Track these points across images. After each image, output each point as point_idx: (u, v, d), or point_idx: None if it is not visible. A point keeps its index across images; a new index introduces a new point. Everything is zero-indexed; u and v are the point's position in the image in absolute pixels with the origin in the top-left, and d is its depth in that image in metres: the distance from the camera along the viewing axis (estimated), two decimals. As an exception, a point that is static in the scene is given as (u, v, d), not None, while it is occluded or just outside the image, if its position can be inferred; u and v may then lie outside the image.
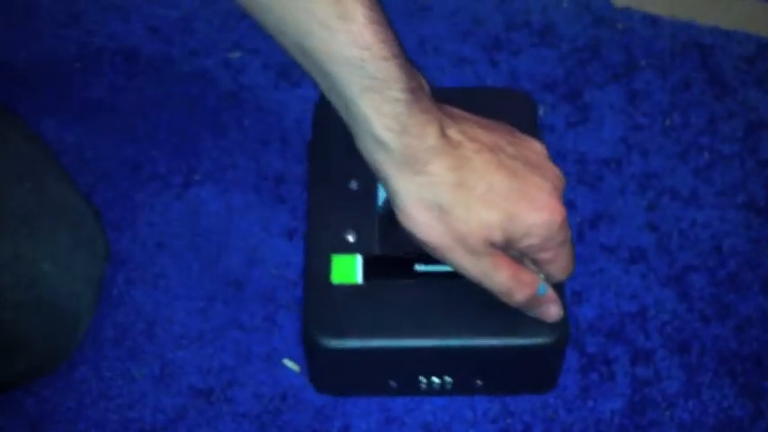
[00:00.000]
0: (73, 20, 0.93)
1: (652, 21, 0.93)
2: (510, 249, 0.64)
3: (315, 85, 0.63)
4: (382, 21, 0.60)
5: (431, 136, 0.61)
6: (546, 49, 0.92)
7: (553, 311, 0.66)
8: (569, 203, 0.79)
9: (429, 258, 0.66)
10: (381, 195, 0.71)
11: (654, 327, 0.75)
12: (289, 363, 0.73)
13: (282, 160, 0.84)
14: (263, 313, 0.75)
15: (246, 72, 0.90)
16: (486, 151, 0.63)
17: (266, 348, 0.74)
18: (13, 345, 0.68)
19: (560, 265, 0.66)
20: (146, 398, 0.71)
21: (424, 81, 0.63)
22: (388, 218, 0.70)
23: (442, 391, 0.69)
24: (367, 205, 0.72)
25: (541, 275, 0.66)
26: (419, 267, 0.69)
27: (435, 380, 0.69)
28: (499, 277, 0.64)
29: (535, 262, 0.65)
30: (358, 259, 0.69)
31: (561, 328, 0.67)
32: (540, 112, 0.85)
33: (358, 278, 0.68)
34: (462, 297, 0.67)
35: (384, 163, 0.62)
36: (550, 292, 0.66)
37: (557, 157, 0.75)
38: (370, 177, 0.69)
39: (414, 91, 0.61)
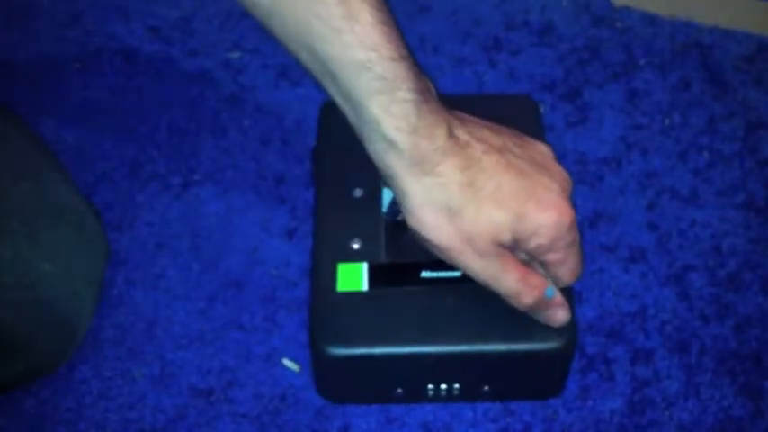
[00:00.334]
0: (73, 20, 0.93)
1: (651, 20, 0.93)
2: (518, 250, 0.64)
3: (315, 85, 0.63)
4: (389, 21, 0.59)
5: (440, 137, 0.61)
6: (545, 49, 0.92)
7: (561, 315, 0.66)
8: (569, 203, 0.79)
9: (434, 265, 0.66)
10: (386, 202, 0.71)
11: (653, 326, 0.75)
12: (288, 363, 0.73)
13: (282, 160, 0.84)
14: (263, 313, 0.75)
15: (246, 72, 0.90)
16: (494, 152, 0.63)
17: (266, 348, 0.74)
18: (12, 345, 0.68)
19: (569, 267, 0.65)
20: (146, 398, 0.71)
21: (430, 83, 0.63)
22: (394, 225, 0.70)
23: (448, 397, 0.69)
24: (372, 213, 0.72)
25: (549, 279, 0.66)
26: (425, 274, 0.69)
27: (443, 386, 0.68)
28: (507, 279, 0.64)
29: (543, 265, 0.65)
30: (363, 267, 0.69)
31: (569, 332, 0.66)
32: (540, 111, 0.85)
33: (364, 286, 0.68)
34: (468, 303, 0.67)
35: (394, 164, 0.62)
36: (558, 296, 0.65)
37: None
38: (374, 185, 0.69)
39: (422, 92, 0.60)
